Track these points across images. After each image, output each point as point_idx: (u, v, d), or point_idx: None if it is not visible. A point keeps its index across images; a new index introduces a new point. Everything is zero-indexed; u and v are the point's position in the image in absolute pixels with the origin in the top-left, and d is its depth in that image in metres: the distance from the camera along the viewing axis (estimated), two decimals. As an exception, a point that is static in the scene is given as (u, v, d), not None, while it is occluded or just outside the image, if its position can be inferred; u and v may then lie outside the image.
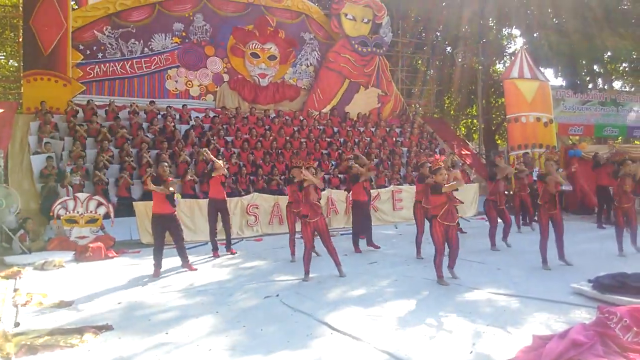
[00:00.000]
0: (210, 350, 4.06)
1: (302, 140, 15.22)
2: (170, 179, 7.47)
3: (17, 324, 4.77)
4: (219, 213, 8.74)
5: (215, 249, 8.65)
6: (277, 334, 4.43)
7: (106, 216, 9.82)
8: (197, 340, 4.32)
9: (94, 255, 8.58)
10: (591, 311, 4.70)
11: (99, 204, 9.78)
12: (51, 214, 9.59)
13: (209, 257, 8.46)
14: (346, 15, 18.34)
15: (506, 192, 9.68)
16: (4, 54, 21.37)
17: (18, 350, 4.02)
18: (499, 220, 8.64)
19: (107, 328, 4.64)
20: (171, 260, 7.51)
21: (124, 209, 10.69)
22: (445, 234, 6.10)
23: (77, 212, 9.59)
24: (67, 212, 9.54)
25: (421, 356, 3.82)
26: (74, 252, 8.77)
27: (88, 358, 3.92)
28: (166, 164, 7.74)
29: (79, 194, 9.83)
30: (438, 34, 23.58)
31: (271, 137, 14.70)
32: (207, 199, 8.96)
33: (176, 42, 16.16)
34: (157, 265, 7.13)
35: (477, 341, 4.14)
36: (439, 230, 6.08)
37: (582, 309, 4.97)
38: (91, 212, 9.68)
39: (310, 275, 6.63)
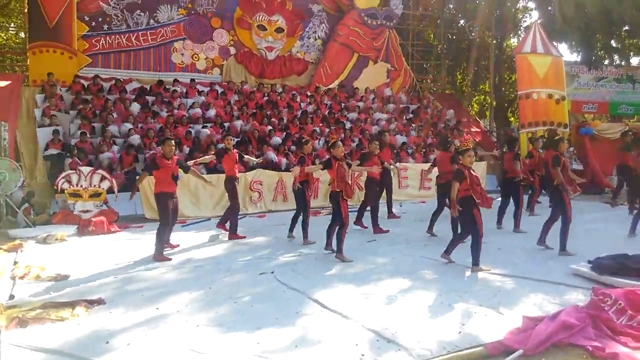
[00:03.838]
0: (197, 326, 4.06)
1: (311, 115, 15.03)
2: (176, 157, 7.18)
3: (11, 297, 4.82)
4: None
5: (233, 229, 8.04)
6: (267, 310, 4.41)
7: (111, 190, 9.87)
8: (187, 315, 4.32)
9: (96, 229, 8.64)
10: (587, 293, 4.59)
11: (103, 178, 9.81)
12: (55, 187, 9.66)
13: (212, 233, 8.36)
14: (355, -15, 17.83)
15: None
16: (14, 25, 21.32)
17: (9, 323, 4.06)
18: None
19: (100, 302, 4.66)
20: (173, 236, 7.43)
21: (128, 183, 10.71)
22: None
23: (81, 186, 9.63)
24: (71, 186, 9.59)
25: (408, 335, 3.77)
26: (76, 226, 8.85)
27: (76, 331, 3.94)
28: (172, 141, 7.07)
29: (82, 168, 9.85)
30: (451, 6, 22.93)
31: (279, 113, 14.52)
32: (212, 175, 8.76)
33: (182, 14, 15.98)
34: (163, 245, 6.73)
35: (467, 321, 4.08)
36: (479, 214, 5.72)
37: (579, 290, 4.88)
38: (94, 186, 9.71)
39: (308, 252, 6.76)
